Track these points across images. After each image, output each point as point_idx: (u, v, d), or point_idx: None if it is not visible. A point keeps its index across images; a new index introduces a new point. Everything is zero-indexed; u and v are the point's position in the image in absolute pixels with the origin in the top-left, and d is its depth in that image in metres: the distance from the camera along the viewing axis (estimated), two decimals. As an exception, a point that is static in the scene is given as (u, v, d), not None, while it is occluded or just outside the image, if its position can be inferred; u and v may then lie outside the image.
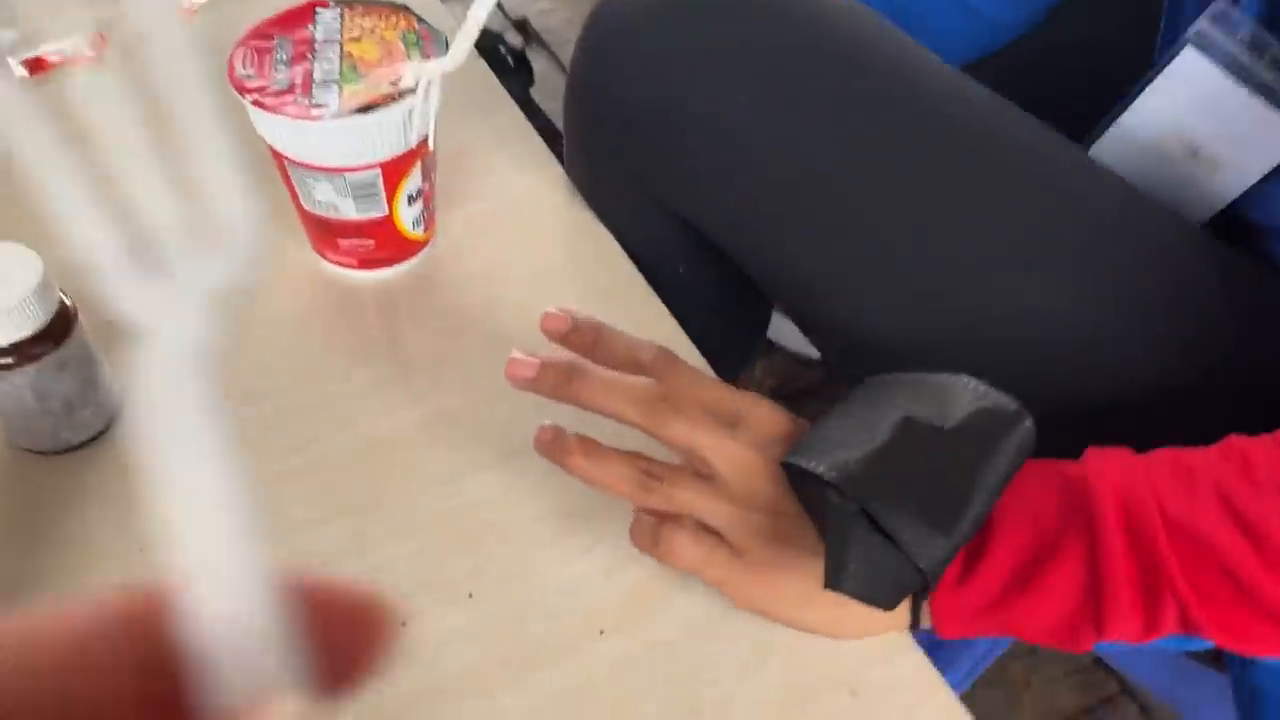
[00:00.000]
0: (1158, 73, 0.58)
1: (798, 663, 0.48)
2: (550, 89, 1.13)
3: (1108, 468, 0.43)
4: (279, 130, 0.54)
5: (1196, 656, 0.71)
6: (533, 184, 0.70)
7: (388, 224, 0.59)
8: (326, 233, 0.60)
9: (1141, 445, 0.45)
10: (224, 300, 0.15)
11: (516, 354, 0.48)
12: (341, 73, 0.54)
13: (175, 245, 0.14)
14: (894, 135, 0.56)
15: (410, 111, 0.54)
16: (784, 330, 1.26)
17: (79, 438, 0.53)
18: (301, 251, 0.63)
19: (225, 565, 0.13)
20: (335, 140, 0.53)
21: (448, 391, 0.57)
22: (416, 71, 0.53)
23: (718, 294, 0.73)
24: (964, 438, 0.43)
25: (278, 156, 0.56)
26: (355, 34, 0.56)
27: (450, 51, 0.52)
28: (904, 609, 0.46)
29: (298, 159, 0.55)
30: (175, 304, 0.14)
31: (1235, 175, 0.58)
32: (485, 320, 0.61)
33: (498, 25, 1.23)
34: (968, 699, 0.49)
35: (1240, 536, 0.41)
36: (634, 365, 0.49)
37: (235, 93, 0.53)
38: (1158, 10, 0.62)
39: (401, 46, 0.56)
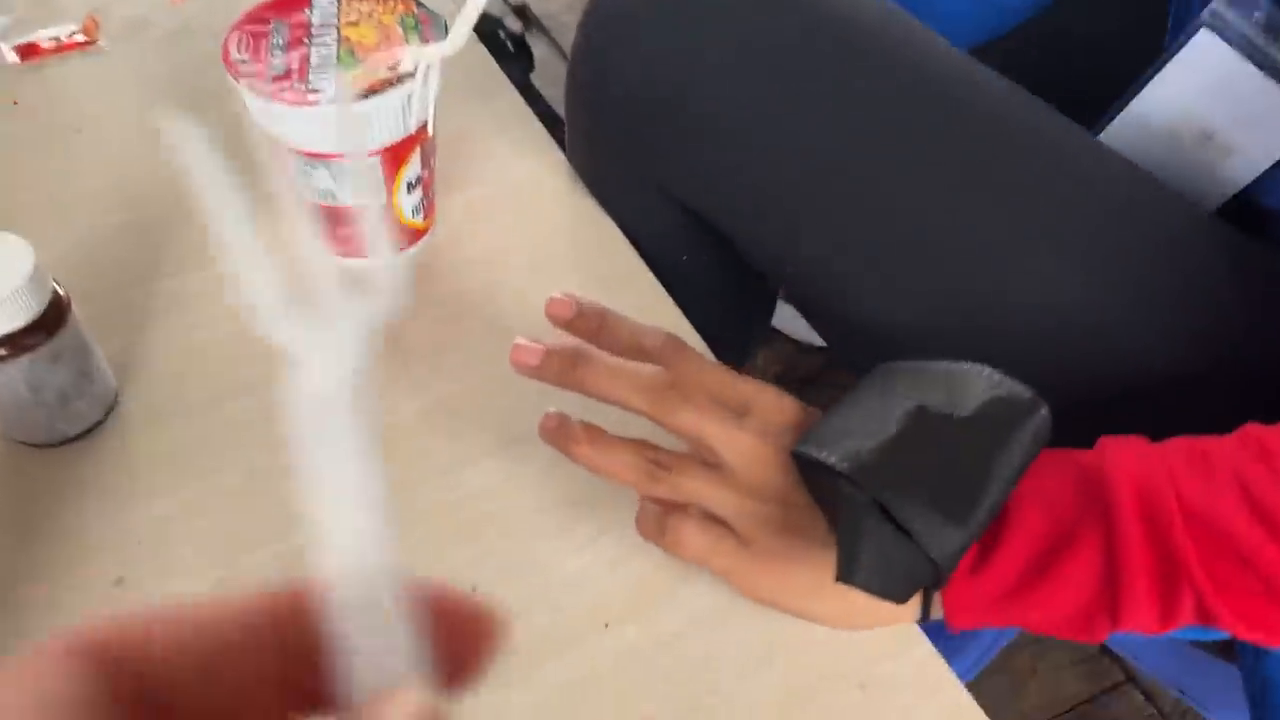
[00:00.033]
0: (1170, 56, 0.57)
1: (805, 656, 0.48)
2: (550, 75, 1.12)
3: (1123, 456, 0.43)
4: (274, 116, 0.53)
5: (1206, 647, 0.71)
6: (533, 170, 0.69)
7: (387, 212, 0.58)
8: (325, 221, 0.59)
9: (1152, 433, 0.44)
10: (370, 332, 0.16)
11: (520, 340, 0.47)
12: (339, 57, 0.53)
13: (328, 285, 0.16)
14: (901, 120, 0.56)
15: (409, 97, 0.53)
16: (787, 317, 1.25)
17: (74, 430, 0.52)
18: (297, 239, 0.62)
19: (366, 569, 0.15)
20: (332, 126, 0.52)
21: (448, 380, 0.57)
22: (415, 56, 0.52)
23: (721, 281, 0.72)
24: (978, 427, 0.43)
25: (274, 143, 0.56)
26: (352, 18, 0.55)
27: (449, 35, 0.52)
28: (915, 600, 0.45)
29: (294, 146, 0.54)
30: (331, 338, 0.15)
31: (1248, 160, 0.58)
32: (485, 308, 0.60)
33: (497, 10, 1.21)
34: (973, 688, 0.48)
35: (1258, 524, 0.40)
36: (640, 352, 0.48)
37: (230, 78, 0.52)
38: (1169, -8, 0.62)
39: (400, 30, 0.55)
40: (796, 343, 1.32)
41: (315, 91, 0.51)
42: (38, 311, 0.47)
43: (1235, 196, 0.59)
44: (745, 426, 0.46)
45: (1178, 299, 0.54)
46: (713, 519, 0.46)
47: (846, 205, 0.56)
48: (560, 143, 0.70)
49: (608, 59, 0.61)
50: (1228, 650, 0.71)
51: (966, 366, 0.45)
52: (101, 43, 0.74)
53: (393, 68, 0.53)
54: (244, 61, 0.53)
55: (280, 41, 0.54)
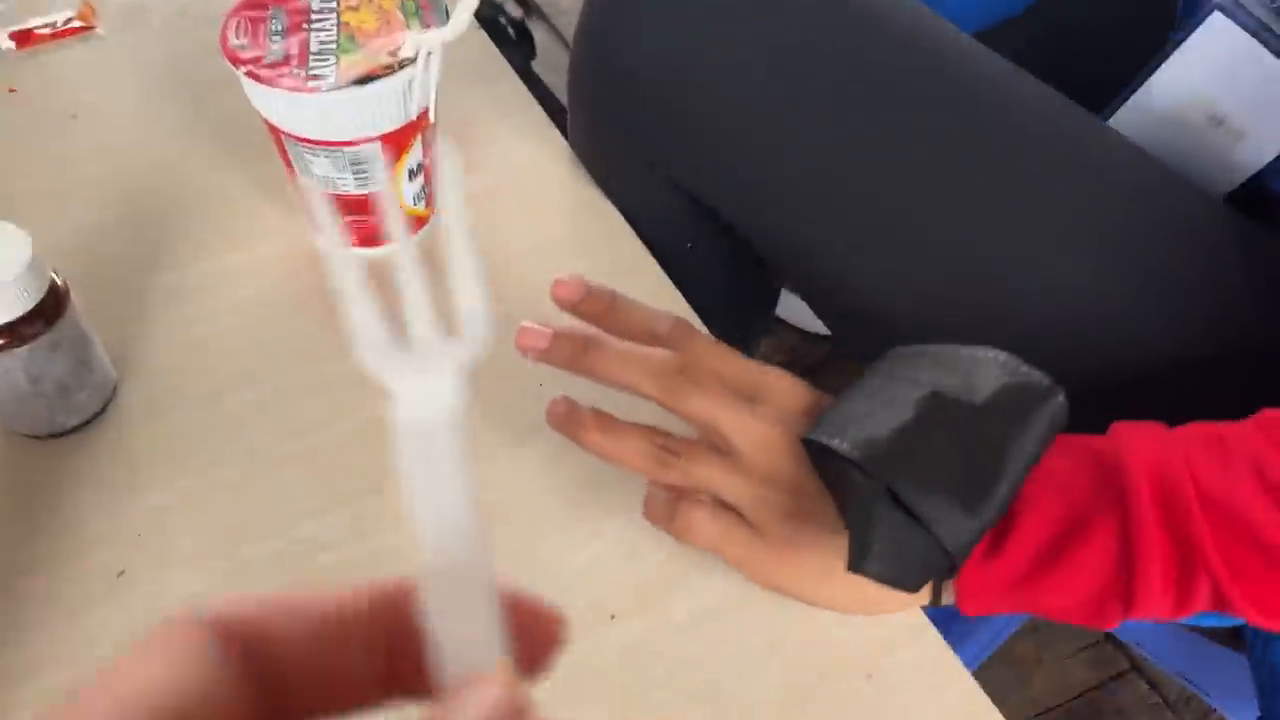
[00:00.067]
0: (1181, 39, 0.56)
1: (813, 647, 0.47)
2: (551, 62, 1.11)
3: (1140, 442, 0.42)
4: (275, 103, 0.53)
5: (1213, 635, 0.70)
6: (536, 156, 0.68)
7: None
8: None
9: (1163, 419, 0.44)
10: (466, 371, 0.18)
11: (527, 324, 0.46)
12: (339, 43, 0.53)
13: (427, 329, 0.19)
14: (909, 106, 0.55)
15: (410, 82, 0.52)
16: (791, 306, 1.25)
17: (74, 421, 0.51)
18: (300, 229, 0.62)
19: (463, 574, 0.17)
20: (333, 113, 0.52)
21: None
22: (416, 41, 0.52)
23: (726, 270, 0.71)
24: (994, 413, 0.42)
25: (274, 130, 0.55)
26: (352, 3, 0.55)
27: (451, 21, 0.51)
28: (926, 586, 0.45)
29: (294, 133, 0.53)
30: (429, 376, 0.18)
31: (1259, 145, 0.57)
32: (490, 296, 0.60)
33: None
34: (978, 677, 0.48)
35: (1275, 509, 0.40)
36: (649, 336, 0.47)
37: (229, 64, 0.52)
38: (1178, -25, 0.61)
39: (400, 15, 0.54)
40: (801, 331, 1.31)
41: (315, 78, 0.51)
42: (36, 300, 0.46)
43: (1245, 182, 0.59)
44: (757, 413, 0.45)
45: (1187, 285, 0.54)
46: (723, 505, 0.46)
47: (851, 191, 0.56)
48: (562, 130, 0.69)
49: (611, 43, 0.60)
50: (1234, 639, 0.71)
51: (981, 351, 0.44)
52: (98, 29, 0.73)
53: (393, 53, 0.52)
54: (243, 47, 0.52)
55: (279, 27, 0.53)
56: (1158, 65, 0.58)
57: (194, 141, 0.67)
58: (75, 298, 0.49)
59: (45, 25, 0.72)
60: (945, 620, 0.49)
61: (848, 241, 0.57)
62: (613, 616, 0.48)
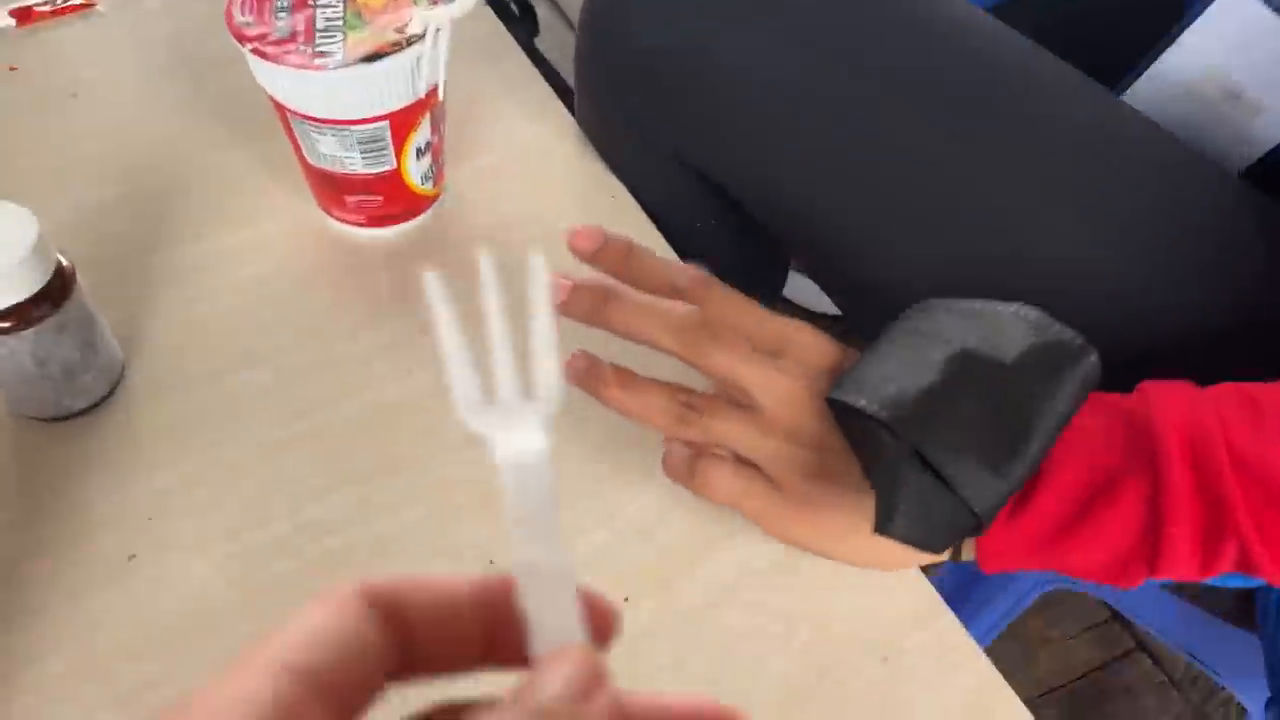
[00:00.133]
0: (1197, 11, 0.55)
1: (828, 630, 0.47)
2: (553, 40, 1.10)
3: (1171, 402, 0.41)
4: (281, 81, 0.52)
5: (1225, 614, 0.70)
6: (543, 134, 0.67)
7: (396, 179, 0.57)
8: (332, 188, 0.58)
9: None
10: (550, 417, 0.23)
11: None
12: (345, 19, 0.52)
13: (512, 388, 0.23)
14: (919, 81, 0.54)
15: (419, 60, 0.51)
16: (798, 287, 1.24)
17: (81, 404, 0.51)
18: (306, 208, 0.61)
19: (551, 569, 0.21)
20: (340, 91, 0.51)
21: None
22: (424, 17, 0.51)
23: (734, 248, 0.71)
24: (1024, 373, 0.41)
25: (280, 109, 0.54)
26: (358, -22, 0.54)
27: (459, -5, 0.50)
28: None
29: (301, 111, 0.53)
30: (519, 429, 0.23)
31: (1276, 120, 0.56)
32: (497, 277, 0.59)
33: (500, -28, 1.19)
34: (985, 655, 0.47)
35: None
36: (668, 288, 0.46)
37: (234, 41, 0.51)
38: (1195, -53, 0.60)
39: (407, -9, 0.53)
40: (808, 312, 1.31)
41: (322, 55, 0.50)
42: (43, 282, 0.45)
43: (1262, 158, 0.58)
44: (779, 367, 0.44)
45: (1203, 262, 0.53)
46: (743, 461, 0.45)
47: (862, 167, 0.55)
48: (568, 108, 0.69)
49: (618, 18, 0.59)
50: (1245, 618, 0.71)
51: (1011, 307, 0.43)
52: (99, 6, 0.72)
53: (401, 29, 0.51)
54: (248, 24, 0.51)
55: (285, 3, 0.52)
56: (1173, 39, 0.57)
57: (197, 119, 0.66)
58: (80, 278, 0.48)
59: (45, 2, 0.71)
60: (953, 600, 0.49)
61: (858, 217, 0.57)
62: (626, 599, 0.47)
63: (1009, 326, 0.42)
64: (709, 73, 0.57)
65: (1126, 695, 1.11)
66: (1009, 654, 1.11)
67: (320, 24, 0.52)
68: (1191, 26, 0.56)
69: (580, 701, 0.20)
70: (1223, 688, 1.10)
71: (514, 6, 1.00)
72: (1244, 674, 0.74)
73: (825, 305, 1.18)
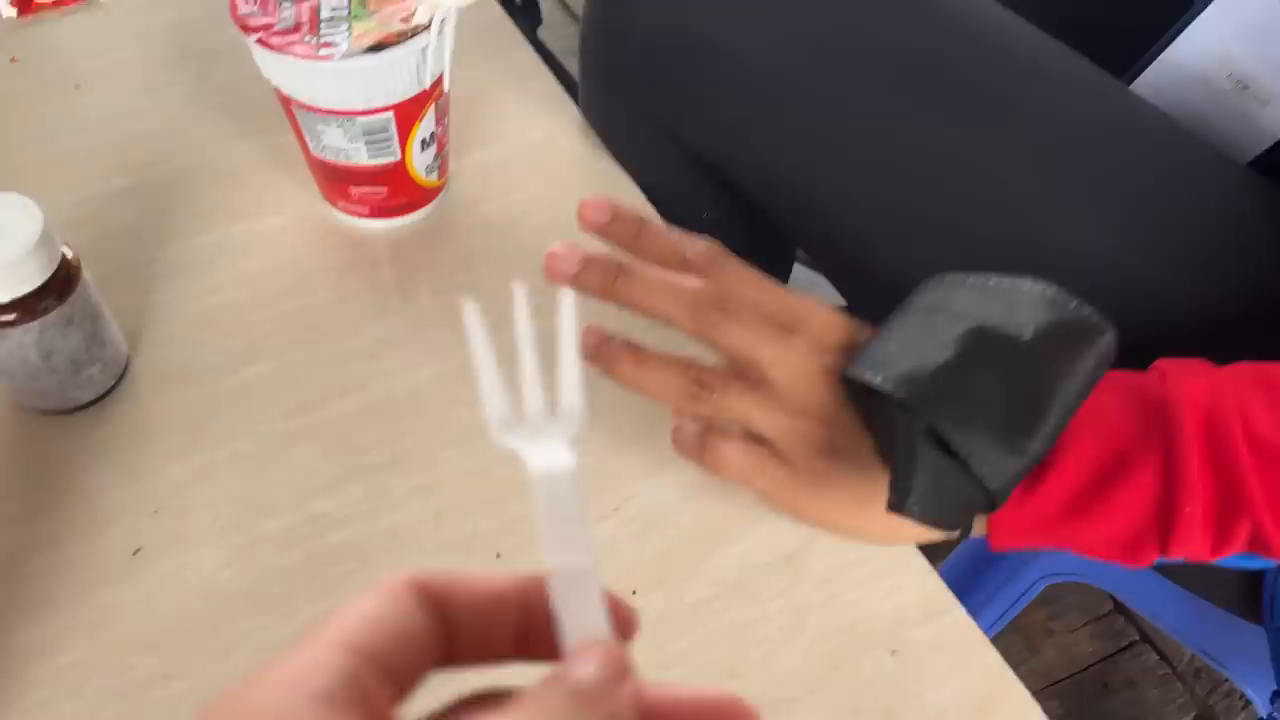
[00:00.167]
0: (1207, 1, 0.55)
1: (836, 623, 0.47)
2: (555, 31, 1.10)
3: (1189, 380, 0.41)
4: (285, 72, 0.51)
5: (1232, 607, 0.70)
6: (548, 126, 0.67)
7: (400, 170, 0.57)
8: (337, 180, 0.57)
9: None
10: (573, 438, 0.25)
11: (557, 247, 0.44)
12: (350, 10, 0.51)
13: (539, 406, 0.25)
14: (928, 70, 0.54)
15: (424, 50, 0.51)
16: (803, 281, 1.24)
17: (86, 396, 0.51)
18: (311, 200, 0.61)
19: (579, 571, 0.23)
20: (345, 82, 0.51)
21: (465, 344, 0.55)
22: (430, 7, 0.51)
23: (740, 239, 0.70)
24: (1040, 351, 0.40)
25: (284, 100, 0.54)
26: (363, -32, 0.54)
27: (465, -15, 0.50)
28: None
29: (306, 102, 0.53)
30: (548, 444, 0.25)
31: (1286, 110, 0.56)
32: (501, 268, 0.59)
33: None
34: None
35: None
36: (680, 261, 0.45)
37: (238, 32, 0.51)
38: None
39: (412, -19, 0.53)
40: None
41: (327, 45, 0.50)
42: (48, 275, 0.45)
43: (1271, 148, 0.58)
44: (794, 346, 0.43)
45: (1212, 252, 0.53)
46: (753, 438, 0.45)
47: (870, 156, 0.55)
48: (573, 98, 0.68)
49: (623, 12, 0.59)
50: (1252, 610, 0.71)
51: (1028, 283, 0.43)
52: (101, -2, 0.72)
53: (406, 19, 0.51)
54: (253, 14, 0.51)
55: (289, -6, 0.52)
56: (1182, 29, 0.57)
57: (200, 110, 0.66)
58: (85, 271, 0.48)
59: (47, -7, 0.71)
60: (958, 592, 0.49)
61: (865, 206, 0.57)
62: (634, 592, 0.47)
63: (1026, 302, 0.42)
64: (715, 62, 0.56)
65: (1130, 688, 1.11)
66: (1012, 646, 1.11)
67: (325, 14, 0.51)
68: (1201, 16, 0.56)
69: (611, 686, 0.21)
70: (1226, 680, 1.11)
71: (517, -3, 1.00)
72: (1250, 666, 0.74)
73: (832, 298, 1.17)
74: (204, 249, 0.59)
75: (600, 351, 0.45)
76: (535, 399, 0.26)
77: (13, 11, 0.70)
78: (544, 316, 0.26)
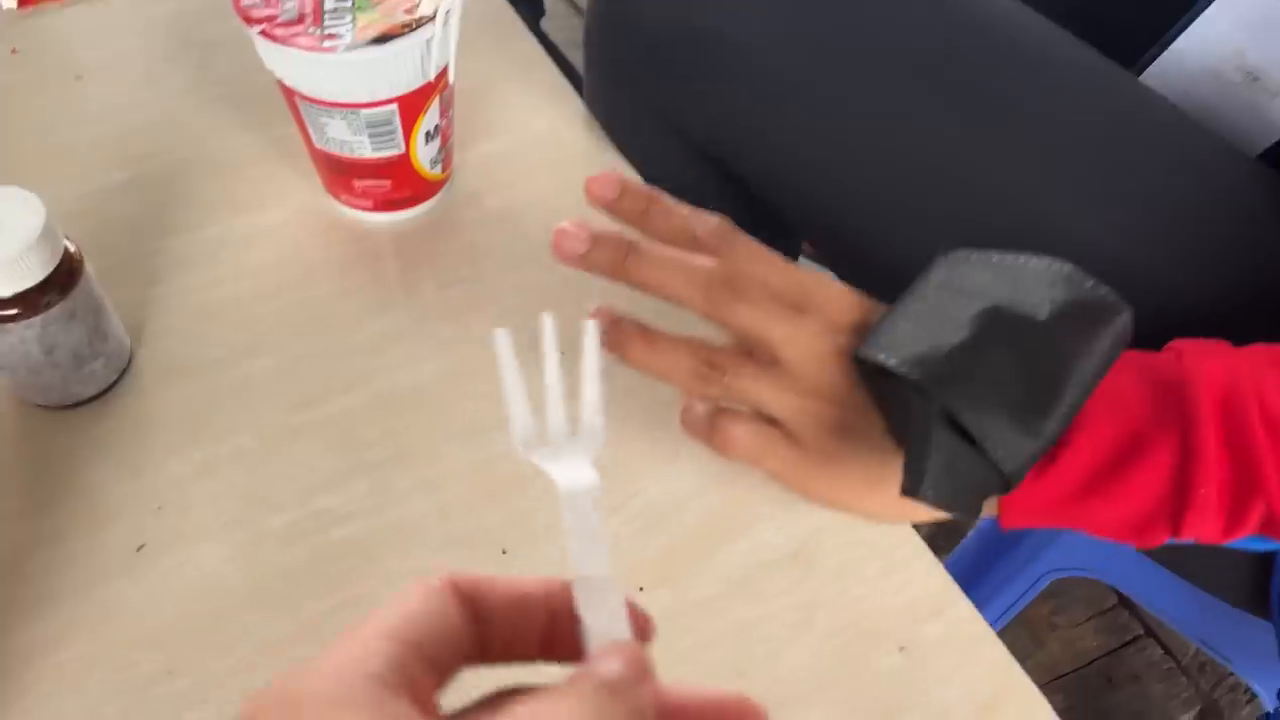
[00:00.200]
0: (1217, -7, 0.55)
1: (844, 619, 0.47)
2: (558, 23, 1.09)
3: (1206, 361, 0.41)
4: (289, 64, 0.51)
5: (1238, 601, 0.70)
6: (552, 118, 0.67)
7: (404, 163, 0.56)
8: (340, 173, 0.57)
9: None
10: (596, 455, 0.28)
11: (565, 225, 0.43)
12: (354, 1, 0.51)
13: (561, 425, 0.28)
14: (939, 64, 0.54)
15: (429, 42, 0.51)
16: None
17: (89, 391, 0.50)
18: (314, 193, 0.61)
19: (601, 578, 0.25)
20: (349, 74, 0.50)
21: (470, 339, 0.55)
22: (434, -1, 0.50)
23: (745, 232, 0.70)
24: (1056, 331, 0.40)
25: (287, 92, 0.53)
26: (366, -41, 0.53)
27: (470, -24, 0.49)
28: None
29: (309, 94, 0.52)
30: (571, 462, 0.27)
31: (1296, 102, 0.56)
32: (506, 261, 0.59)
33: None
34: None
35: None
36: (689, 239, 0.44)
37: (241, 23, 0.50)
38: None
39: (416, -28, 0.53)
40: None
41: (331, 37, 0.49)
42: (50, 269, 0.45)
43: (1279, 142, 0.57)
44: (806, 326, 0.42)
45: (1221, 244, 0.53)
46: (763, 418, 0.44)
47: (876, 148, 0.54)
48: (578, 91, 0.68)
49: (628, 5, 0.58)
50: (1259, 605, 0.70)
51: (1043, 262, 0.42)
52: (102, -11, 0.71)
53: (410, 11, 0.50)
54: (256, 5, 0.51)
55: (292, -15, 0.52)
56: (1191, 20, 0.57)
57: (201, 102, 0.65)
58: (87, 265, 0.48)
59: (48, -15, 0.71)
60: (963, 586, 0.49)
61: (871, 199, 0.56)
62: (641, 588, 0.47)
63: (1041, 281, 0.41)
64: (719, 55, 0.56)
65: (1135, 682, 1.11)
66: (1017, 640, 1.10)
67: (329, 5, 0.51)
68: (1210, 7, 0.55)
69: (635, 683, 0.23)
70: (1231, 675, 1.10)
71: (520, -11, 1.00)
72: (1255, 660, 0.74)
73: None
74: (206, 242, 0.58)
75: (611, 334, 0.44)
76: (558, 419, 0.28)
77: (13, 2, 0.69)
78: (553, 306, 0.27)
